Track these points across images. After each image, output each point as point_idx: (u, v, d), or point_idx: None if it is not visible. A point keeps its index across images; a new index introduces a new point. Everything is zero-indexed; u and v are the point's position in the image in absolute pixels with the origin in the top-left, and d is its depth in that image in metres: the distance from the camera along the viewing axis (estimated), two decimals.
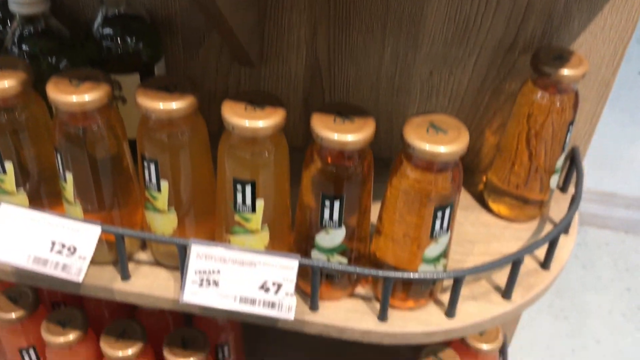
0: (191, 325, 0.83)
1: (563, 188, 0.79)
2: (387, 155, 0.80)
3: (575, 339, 1.85)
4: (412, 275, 0.59)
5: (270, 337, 1.02)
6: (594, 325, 1.89)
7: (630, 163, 2.60)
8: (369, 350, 1.01)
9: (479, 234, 0.73)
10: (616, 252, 2.18)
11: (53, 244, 0.61)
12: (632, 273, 2.08)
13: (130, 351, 0.76)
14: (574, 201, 0.69)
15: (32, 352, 0.83)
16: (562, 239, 0.71)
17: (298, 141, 0.84)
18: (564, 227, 0.66)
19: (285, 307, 0.59)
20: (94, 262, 0.66)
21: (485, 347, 0.79)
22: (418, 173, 0.55)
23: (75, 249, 0.60)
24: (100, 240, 0.64)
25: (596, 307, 1.95)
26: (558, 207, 0.77)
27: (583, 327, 1.89)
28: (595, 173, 2.35)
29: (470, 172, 0.80)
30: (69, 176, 0.60)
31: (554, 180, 0.72)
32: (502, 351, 0.89)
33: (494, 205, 0.76)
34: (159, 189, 0.60)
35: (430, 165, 0.54)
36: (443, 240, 0.59)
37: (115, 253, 0.65)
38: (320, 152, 0.56)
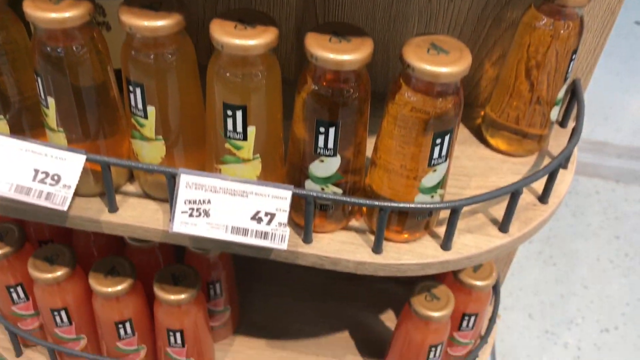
0: (182, 262, 0.81)
1: (562, 123, 0.77)
2: (383, 90, 0.78)
3: (564, 284, 1.87)
4: (408, 205, 0.58)
5: (263, 276, 1.02)
6: (582, 271, 1.91)
7: (623, 112, 2.59)
8: (360, 290, 1.01)
9: (476, 167, 0.71)
10: (606, 200, 2.18)
11: (36, 172, 0.58)
12: (621, 221, 2.10)
13: (119, 287, 0.74)
14: (575, 133, 0.67)
15: (19, 289, 0.82)
16: (561, 174, 0.70)
17: (291, 74, 0.81)
18: (564, 158, 0.64)
19: (278, 237, 0.57)
20: (80, 194, 0.65)
21: (479, 283, 0.79)
22: (417, 96, 0.53)
23: (59, 178, 0.58)
24: (86, 171, 0.62)
25: (585, 254, 1.97)
26: (557, 142, 0.75)
27: (571, 273, 1.91)
28: (587, 122, 2.33)
29: (468, 106, 0.78)
30: (51, 101, 0.57)
31: (555, 113, 0.70)
32: (495, 289, 0.89)
33: (492, 140, 0.74)
34: (145, 116, 0.58)
35: (430, 87, 0.52)
36: (441, 169, 0.57)
37: (101, 184, 0.63)
38: (315, 74, 0.53)
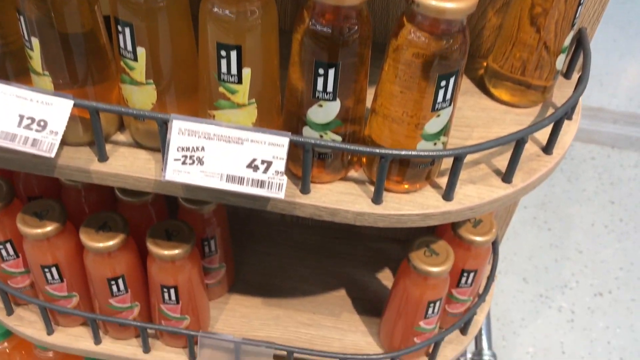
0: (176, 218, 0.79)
1: (567, 75, 0.75)
2: (383, 40, 0.75)
3: (558, 249, 1.87)
4: (411, 152, 0.56)
5: (257, 236, 1.00)
6: (577, 236, 1.91)
7: (618, 78, 2.57)
8: (356, 250, 1.00)
9: (479, 118, 0.69)
10: (601, 165, 2.18)
11: (21, 118, 0.56)
12: (616, 186, 2.09)
13: (111, 242, 0.72)
14: (581, 82, 0.65)
15: (9, 246, 0.79)
16: (565, 125, 0.68)
17: (286, 24, 0.78)
18: (570, 107, 0.62)
19: (275, 185, 0.55)
20: (68, 143, 0.62)
21: (478, 239, 0.77)
22: (422, 36, 0.50)
23: (45, 124, 0.55)
24: (74, 118, 0.59)
25: (579, 219, 1.97)
26: (561, 93, 0.73)
27: (566, 238, 1.91)
28: None
29: (469, 57, 0.75)
30: (35, 42, 0.55)
31: (560, 61, 0.68)
32: (494, 246, 0.88)
33: (494, 90, 0.72)
34: (135, 58, 0.55)
35: (435, 25, 0.49)
36: (445, 114, 0.55)
37: (90, 133, 0.61)
38: (314, 11, 0.50)
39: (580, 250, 1.86)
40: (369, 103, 0.60)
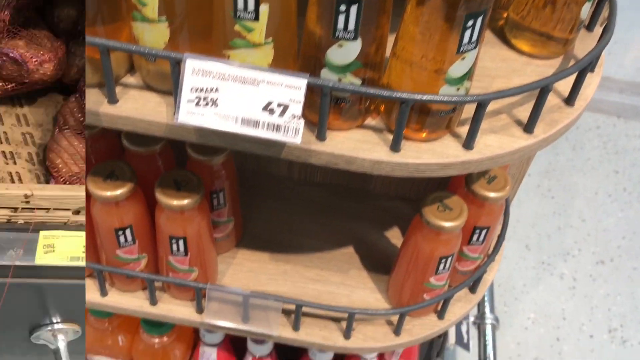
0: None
1: (589, 26, 0.73)
2: None
3: (561, 217, 1.86)
4: (433, 97, 0.54)
5: (266, 193, 0.99)
6: (580, 205, 1.90)
7: (626, 47, 2.54)
8: (366, 207, 0.98)
9: (499, 69, 0.67)
10: (606, 135, 2.16)
11: None
12: (620, 156, 2.08)
13: (119, 191, 0.71)
14: (606, 32, 0.63)
15: None
16: (588, 78, 0.66)
17: None
18: (595, 56, 0.60)
19: (291, 130, 0.54)
20: None
21: (492, 195, 0.76)
22: None
23: None
24: None
25: (583, 188, 1.96)
26: (583, 46, 0.71)
27: (569, 206, 1.90)
28: None
29: None
30: None
31: (585, 10, 0.66)
32: (507, 205, 0.86)
33: (515, 41, 0.70)
34: None
35: None
36: (470, 57, 0.53)
37: (100, 74, 0.59)
38: None
39: (583, 219, 1.86)
40: (388, 51, 0.58)
